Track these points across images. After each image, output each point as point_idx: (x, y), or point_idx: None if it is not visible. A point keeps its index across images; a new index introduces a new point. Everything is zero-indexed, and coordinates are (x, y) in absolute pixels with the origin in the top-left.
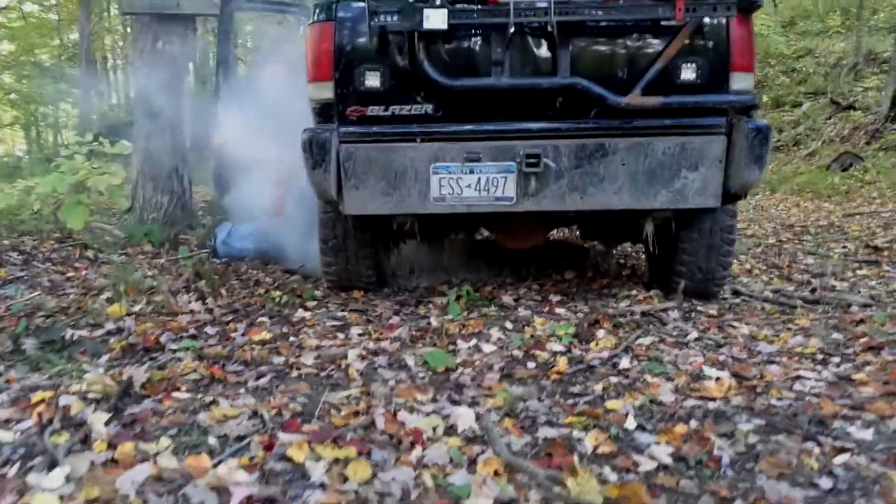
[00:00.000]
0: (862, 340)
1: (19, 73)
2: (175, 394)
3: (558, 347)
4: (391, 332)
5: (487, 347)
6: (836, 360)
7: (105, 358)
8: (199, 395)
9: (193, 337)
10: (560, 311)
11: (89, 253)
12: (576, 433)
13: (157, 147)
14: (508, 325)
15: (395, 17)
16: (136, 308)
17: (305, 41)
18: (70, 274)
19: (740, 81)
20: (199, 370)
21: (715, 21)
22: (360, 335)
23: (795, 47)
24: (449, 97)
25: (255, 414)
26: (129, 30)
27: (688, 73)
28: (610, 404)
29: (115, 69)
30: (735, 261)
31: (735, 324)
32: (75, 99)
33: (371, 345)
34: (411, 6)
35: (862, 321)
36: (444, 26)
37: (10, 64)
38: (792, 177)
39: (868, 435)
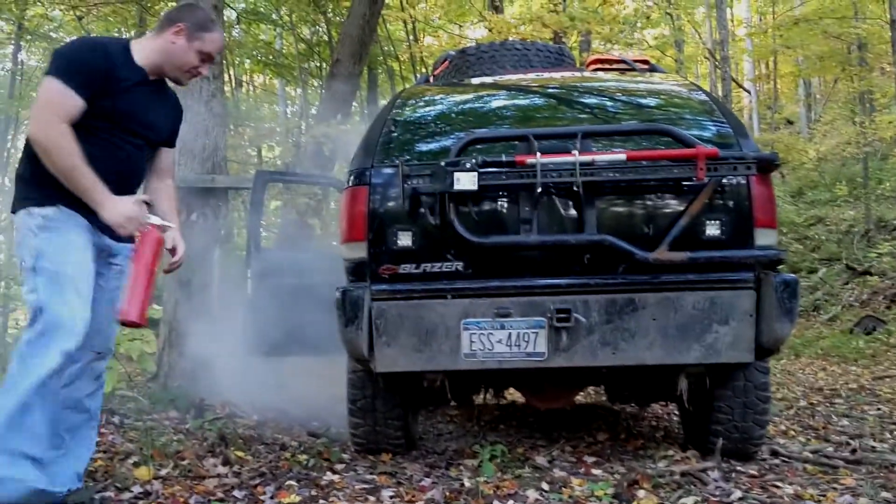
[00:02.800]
0: None
1: None
2: None
3: None
4: (423, 493)
5: None
6: None
7: None
8: None
9: (221, 500)
10: (596, 471)
11: (115, 419)
12: None
13: (184, 314)
14: (545, 485)
15: (427, 181)
16: (163, 472)
17: (340, 205)
18: (97, 440)
19: (764, 237)
20: None
21: (736, 180)
22: (391, 497)
23: (806, 216)
24: (479, 254)
25: None
26: None
27: (713, 229)
28: None
29: None
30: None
31: (778, 483)
32: None
33: None
34: (442, 169)
35: None
36: (475, 187)
37: None
38: (815, 341)
39: None
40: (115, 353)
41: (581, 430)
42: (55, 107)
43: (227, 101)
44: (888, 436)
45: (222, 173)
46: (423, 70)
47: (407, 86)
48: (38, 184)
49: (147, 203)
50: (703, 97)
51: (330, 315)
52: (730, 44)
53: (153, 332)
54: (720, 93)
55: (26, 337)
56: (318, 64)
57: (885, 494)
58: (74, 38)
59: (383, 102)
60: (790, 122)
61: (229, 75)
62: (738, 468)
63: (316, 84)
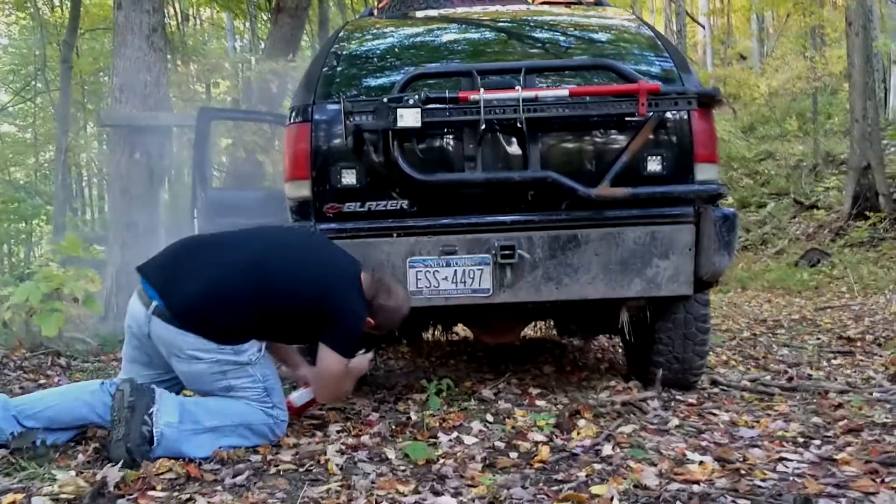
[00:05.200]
0: (841, 423)
1: None
2: (151, 493)
3: (540, 437)
4: (370, 427)
5: (469, 439)
6: (818, 442)
7: (78, 460)
8: (176, 494)
9: None
10: (540, 403)
11: (62, 361)
12: None
13: (132, 257)
14: (489, 417)
15: (370, 117)
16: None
17: (283, 143)
18: (42, 381)
19: (705, 172)
20: (175, 468)
21: (677, 115)
22: (338, 432)
23: (756, 150)
24: (424, 192)
25: None
26: (104, 146)
27: (654, 164)
28: (595, 489)
29: (90, 185)
30: (711, 352)
31: (715, 411)
32: (49, 215)
33: (350, 440)
34: (385, 105)
35: (840, 406)
36: (418, 124)
37: None
38: (762, 274)
39: None
40: (61, 294)
41: (528, 364)
42: (342, 383)
43: (173, 36)
44: (825, 364)
45: (166, 110)
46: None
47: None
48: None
49: None
50: (649, 32)
51: None
52: None
53: (97, 273)
54: (674, 27)
55: None
56: None
57: (815, 419)
58: (358, 305)
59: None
60: (743, 57)
61: (174, 8)
62: (678, 397)
63: (265, 17)
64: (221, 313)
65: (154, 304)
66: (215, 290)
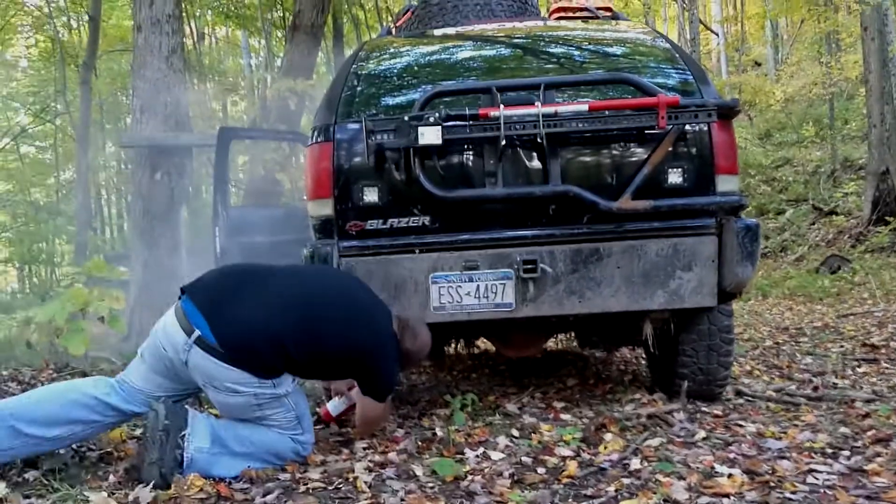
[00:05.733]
0: (869, 433)
1: (14, 211)
2: None
3: (567, 452)
4: (396, 444)
5: (495, 455)
6: (846, 452)
7: (110, 481)
8: None
9: None
10: (565, 416)
11: None
12: None
13: (153, 275)
14: (515, 432)
15: (391, 136)
16: (138, 432)
17: (305, 162)
18: None
19: (726, 183)
20: (206, 488)
21: (697, 127)
22: (365, 449)
23: (773, 157)
24: (445, 208)
25: None
26: (123, 166)
27: (675, 177)
28: None
29: (109, 204)
30: (735, 362)
31: (741, 422)
32: (69, 235)
33: (377, 457)
34: (406, 124)
35: (867, 415)
36: (439, 141)
37: (6, 203)
38: (782, 281)
39: None
40: (85, 314)
41: (551, 377)
42: (381, 421)
43: (189, 55)
44: (850, 372)
45: (186, 130)
46: (389, 18)
47: (373, 35)
48: None
49: None
50: (665, 45)
51: None
52: None
53: (122, 292)
54: (688, 35)
55: None
56: (282, 14)
57: (843, 429)
58: (394, 356)
59: (349, 53)
60: (758, 64)
61: (190, 28)
62: (703, 409)
63: (280, 35)
64: (270, 350)
65: (196, 333)
66: (266, 325)
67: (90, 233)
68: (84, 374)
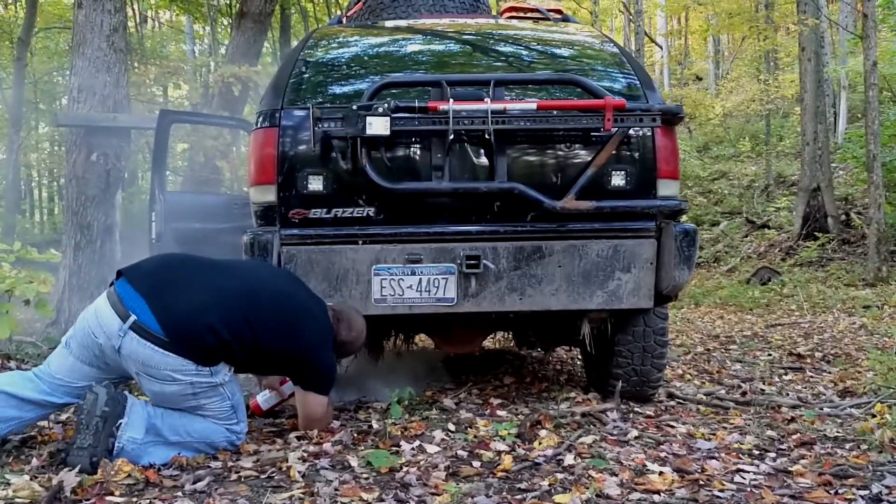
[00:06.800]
0: (794, 437)
1: None
2: (108, 498)
3: (502, 447)
4: (332, 435)
5: (431, 448)
6: (772, 454)
7: (32, 464)
8: (134, 500)
9: None
10: (501, 413)
11: (12, 364)
12: None
13: (86, 259)
14: (451, 426)
15: (339, 124)
16: (63, 416)
17: (249, 147)
18: None
19: (667, 188)
20: (134, 474)
21: (641, 132)
22: (299, 439)
23: (710, 170)
24: (390, 200)
25: None
26: (56, 147)
27: (618, 179)
28: (558, 498)
29: (40, 187)
30: (668, 366)
31: (672, 423)
32: None
33: (312, 448)
34: (354, 113)
35: (793, 420)
36: (387, 132)
37: None
38: (715, 291)
39: None
40: (11, 296)
41: (489, 374)
42: (327, 417)
43: (131, 37)
44: (777, 379)
45: (125, 112)
46: (338, 11)
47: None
48: None
49: None
50: (614, 49)
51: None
52: None
53: (50, 275)
54: (633, 47)
55: None
56: (228, 1)
57: (770, 433)
58: (332, 350)
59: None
60: (699, 78)
61: (133, 10)
62: (636, 409)
63: (226, 22)
64: (212, 338)
65: (132, 318)
66: (209, 315)
67: (18, 216)
68: (8, 358)
